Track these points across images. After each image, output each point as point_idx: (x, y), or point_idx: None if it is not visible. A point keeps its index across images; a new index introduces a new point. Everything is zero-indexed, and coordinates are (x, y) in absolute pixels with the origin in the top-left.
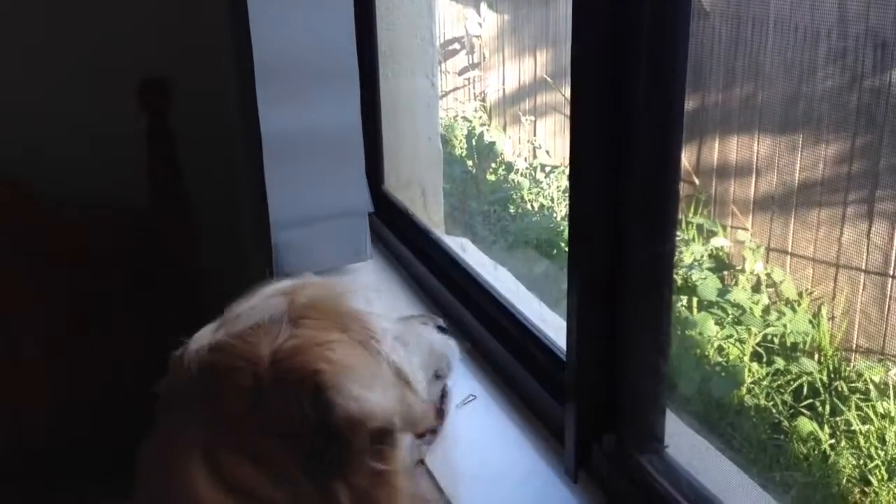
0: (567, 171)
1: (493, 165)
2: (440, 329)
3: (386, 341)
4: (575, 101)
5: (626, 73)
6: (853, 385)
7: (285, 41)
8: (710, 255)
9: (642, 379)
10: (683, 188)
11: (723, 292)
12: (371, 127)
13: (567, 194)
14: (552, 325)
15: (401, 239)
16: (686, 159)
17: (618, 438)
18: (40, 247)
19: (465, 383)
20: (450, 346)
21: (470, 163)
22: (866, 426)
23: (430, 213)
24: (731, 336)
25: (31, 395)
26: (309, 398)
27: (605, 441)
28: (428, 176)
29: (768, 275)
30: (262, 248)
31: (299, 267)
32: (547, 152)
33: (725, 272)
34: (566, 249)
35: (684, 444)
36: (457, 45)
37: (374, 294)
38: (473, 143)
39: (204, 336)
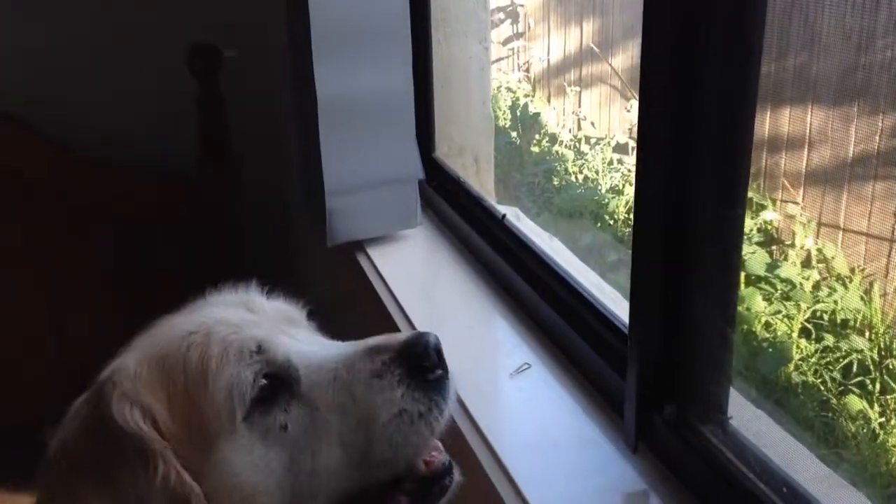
0: (611, 142)
1: (537, 137)
2: (413, 377)
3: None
4: (645, 70)
5: (698, 37)
6: None
7: (341, 5)
8: (758, 230)
9: (707, 347)
10: None
11: (772, 267)
12: (423, 93)
13: (611, 166)
14: (609, 296)
15: (452, 206)
16: None
17: (679, 409)
18: (90, 211)
19: (519, 351)
20: (399, 430)
21: (514, 134)
22: None
23: (483, 181)
24: (779, 312)
25: (81, 371)
26: None
27: (666, 411)
28: (480, 143)
29: (819, 250)
30: (314, 214)
31: (350, 233)
32: (592, 124)
33: (774, 247)
34: (610, 222)
35: (746, 415)
36: (501, 15)
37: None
38: (518, 114)
39: None
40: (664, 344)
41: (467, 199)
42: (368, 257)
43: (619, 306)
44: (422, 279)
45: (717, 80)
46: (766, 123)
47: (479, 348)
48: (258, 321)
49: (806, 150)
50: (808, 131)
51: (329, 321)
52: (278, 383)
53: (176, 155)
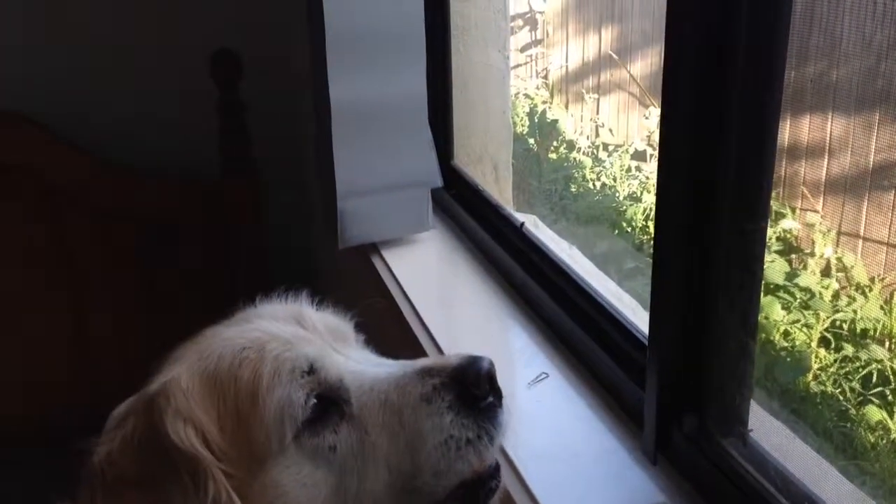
0: (629, 150)
1: (555, 144)
2: (464, 403)
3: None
4: (668, 79)
5: (721, 46)
6: None
7: (357, 12)
8: (777, 238)
9: (728, 358)
10: None
11: (791, 276)
12: (442, 101)
13: (629, 173)
14: (628, 305)
15: (470, 214)
16: None
17: (699, 420)
18: (111, 215)
19: (537, 361)
20: (445, 457)
21: (531, 141)
22: None
23: (501, 189)
24: (798, 321)
25: (102, 372)
26: None
27: (685, 423)
28: (499, 151)
29: (839, 259)
30: (328, 216)
31: (361, 235)
32: (610, 131)
33: (793, 255)
34: (628, 230)
35: (767, 427)
36: (520, 22)
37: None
38: (536, 120)
39: None
40: (684, 354)
41: (485, 207)
42: (383, 260)
43: (637, 316)
44: (437, 284)
45: (740, 89)
46: (786, 131)
47: (495, 356)
48: (310, 337)
49: (826, 158)
50: (828, 139)
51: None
52: (329, 403)
53: (198, 158)
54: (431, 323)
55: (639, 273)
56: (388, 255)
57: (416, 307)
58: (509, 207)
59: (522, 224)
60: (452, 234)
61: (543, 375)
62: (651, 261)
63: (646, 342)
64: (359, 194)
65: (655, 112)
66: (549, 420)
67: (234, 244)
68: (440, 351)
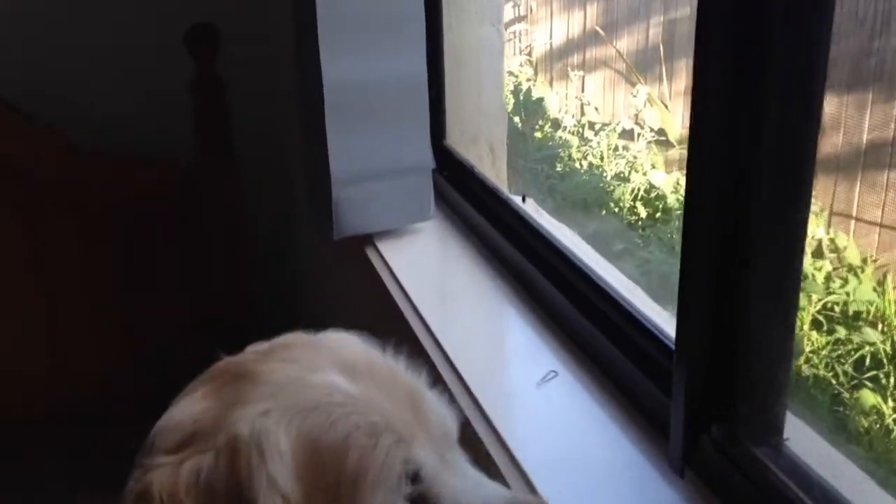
0: (617, 128)
1: (540, 122)
2: None
3: None
4: (700, 60)
5: (761, 20)
6: None
7: None
8: None
9: (764, 360)
10: None
11: None
12: (433, 78)
13: (616, 153)
14: (639, 298)
15: (465, 197)
16: None
17: (730, 428)
18: (84, 200)
19: (544, 358)
20: None
21: (517, 119)
22: None
23: (498, 172)
24: None
25: (77, 353)
26: None
27: (714, 431)
28: (494, 132)
29: (831, 240)
30: (320, 205)
31: (359, 226)
32: (596, 109)
33: None
34: (616, 209)
35: (803, 437)
36: None
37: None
38: (520, 98)
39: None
40: (714, 356)
41: (482, 190)
42: (378, 252)
43: (647, 307)
44: (436, 276)
45: (781, 66)
46: None
47: (499, 352)
48: (423, 437)
49: (818, 136)
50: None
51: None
52: None
53: (173, 141)
54: (431, 319)
55: (627, 254)
56: (383, 246)
57: (415, 302)
58: (506, 190)
59: (524, 197)
60: (449, 221)
61: (552, 374)
62: (639, 241)
63: (665, 339)
64: (355, 182)
65: (643, 90)
66: (560, 423)
67: (211, 231)
68: (442, 351)
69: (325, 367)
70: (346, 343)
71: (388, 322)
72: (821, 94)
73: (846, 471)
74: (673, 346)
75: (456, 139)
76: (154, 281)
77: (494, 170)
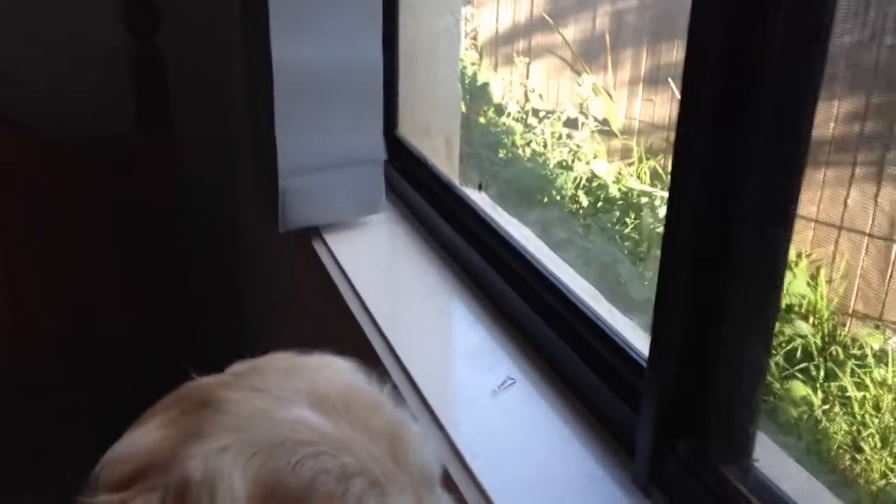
0: (561, 116)
1: (484, 108)
2: None
3: None
4: (691, 54)
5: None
6: (849, 351)
7: None
8: None
9: (738, 379)
10: None
11: None
12: (387, 65)
13: (560, 141)
14: (603, 305)
15: (418, 190)
16: None
17: (698, 446)
18: (14, 176)
19: (501, 364)
20: None
21: (461, 104)
22: (861, 393)
23: (453, 165)
24: None
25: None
26: None
27: (681, 448)
28: (448, 122)
29: None
30: (266, 195)
31: (306, 218)
32: (540, 96)
33: None
34: (558, 198)
35: (772, 457)
36: None
37: None
38: (465, 83)
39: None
40: (687, 372)
41: (435, 182)
42: (326, 245)
43: (612, 316)
44: (385, 272)
45: (776, 68)
46: None
47: (453, 355)
48: (402, 482)
49: (806, 156)
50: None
51: (281, 314)
52: None
53: (110, 121)
54: (381, 318)
55: (569, 243)
56: (331, 239)
57: (364, 300)
58: (460, 184)
59: (480, 185)
60: (400, 215)
61: (510, 381)
62: (580, 230)
63: (629, 350)
64: (304, 171)
65: (588, 79)
66: (519, 436)
67: (149, 217)
68: (393, 353)
69: (297, 398)
70: (325, 371)
71: (336, 320)
72: (814, 101)
73: (812, 487)
74: (638, 358)
75: (408, 129)
76: (85, 263)
77: (449, 162)
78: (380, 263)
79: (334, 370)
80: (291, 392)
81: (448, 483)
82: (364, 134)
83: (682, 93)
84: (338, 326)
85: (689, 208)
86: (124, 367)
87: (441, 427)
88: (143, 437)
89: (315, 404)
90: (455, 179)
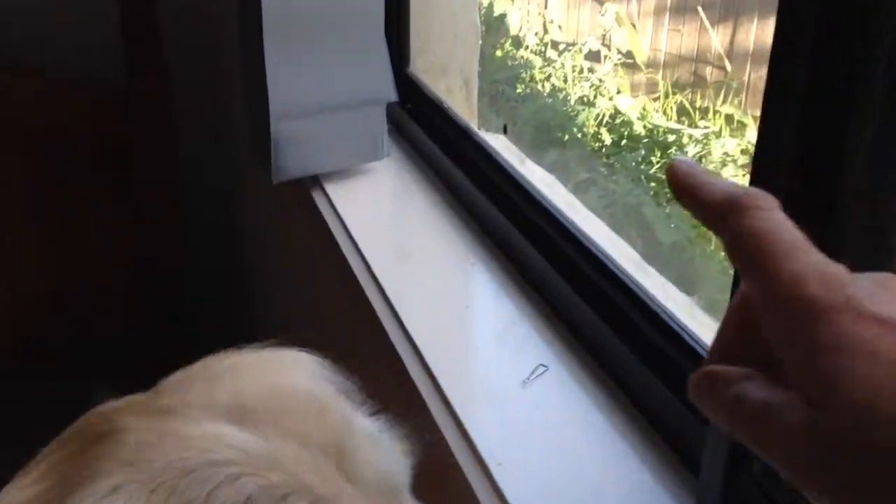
0: (582, 49)
1: (501, 41)
2: None
3: None
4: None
5: None
6: None
7: None
8: (742, 151)
9: None
10: (713, 73)
11: None
12: None
13: (581, 75)
14: (653, 277)
15: (432, 136)
16: (718, 41)
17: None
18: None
19: (529, 345)
20: None
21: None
22: None
23: (472, 108)
24: None
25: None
26: None
27: (756, 466)
28: (468, 61)
29: None
30: (258, 142)
31: (301, 167)
32: (560, 27)
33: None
34: (579, 136)
35: None
36: None
37: None
38: (481, 14)
39: None
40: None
41: (450, 128)
42: (326, 195)
43: (653, 282)
44: (393, 228)
45: None
46: (751, 34)
47: (470, 335)
48: (351, 493)
49: None
50: None
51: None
52: None
53: (98, 60)
54: (388, 284)
55: (591, 184)
56: (332, 189)
57: (368, 260)
58: (479, 129)
59: (506, 127)
60: (410, 162)
61: (542, 369)
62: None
63: (691, 341)
64: (298, 115)
65: (611, 8)
66: (553, 438)
67: (142, 163)
68: (403, 329)
69: (213, 412)
70: (260, 374)
71: (337, 280)
72: None
73: None
74: (699, 347)
75: (421, 67)
76: (76, 212)
77: (468, 106)
78: (387, 218)
79: (273, 371)
80: (207, 405)
81: (466, 496)
82: (363, 72)
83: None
84: (339, 289)
85: (779, 161)
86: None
87: (458, 424)
88: (13, 499)
89: (236, 417)
90: (474, 124)
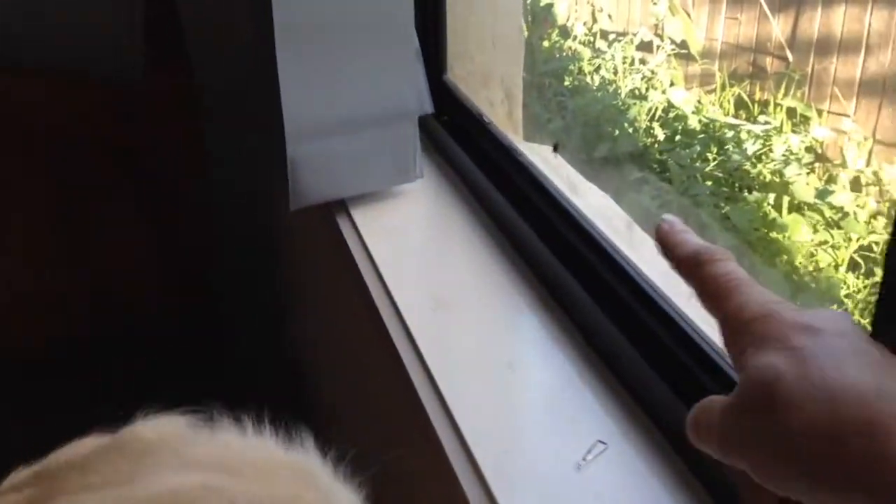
0: (634, 39)
1: (548, 31)
2: None
3: None
4: None
5: None
6: None
7: None
8: (807, 149)
9: None
10: (773, 64)
11: (823, 193)
12: None
13: (632, 67)
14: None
15: (469, 152)
16: (779, 29)
17: None
18: (16, 128)
19: (586, 416)
20: None
21: (523, 27)
22: None
23: (515, 124)
24: (825, 242)
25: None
26: None
27: None
28: (510, 68)
29: (875, 173)
30: (277, 161)
31: (321, 191)
32: (609, 16)
33: (818, 165)
34: (630, 131)
35: None
36: None
37: None
38: (527, 4)
39: None
40: None
41: (493, 148)
42: (352, 221)
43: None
44: (425, 264)
45: None
46: (815, 22)
47: (514, 400)
48: None
49: (862, 55)
50: (865, 33)
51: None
52: None
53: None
54: (418, 329)
55: (644, 183)
56: (358, 215)
57: (395, 298)
58: (518, 140)
59: (556, 146)
60: (446, 183)
61: (601, 446)
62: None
63: None
64: (317, 135)
65: None
66: None
67: (164, 165)
68: (436, 390)
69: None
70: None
71: (364, 320)
72: None
73: None
74: None
75: (460, 75)
76: (99, 217)
77: (510, 121)
78: (415, 248)
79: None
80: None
81: None
82: (391, 81)
83: None
84: (364, 327)
85: None
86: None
87: None
88: None
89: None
90: (518, 141)
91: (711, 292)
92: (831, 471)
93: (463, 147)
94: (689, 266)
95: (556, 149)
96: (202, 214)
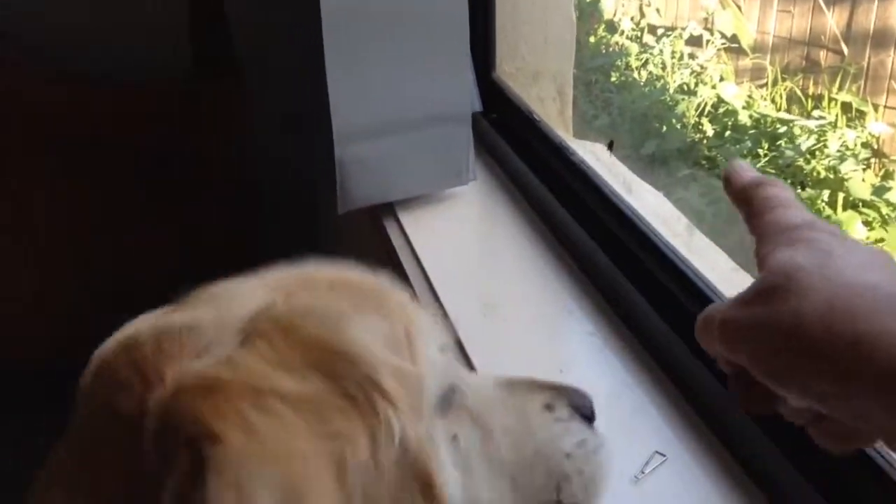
0: (683, 34)
1: (595, 26)
2: (580, 415)
3: (413, 422)
4: None
5: None
6: None
7: None
8: (863, 144)
9: None
10: (827, 57)
11: (879, 189)
12: None
13: (681, 62)
14: None
15: (519, 151)
16: (834, 22)
17: None
18: (62, 133)
19: (643, 426)
20: (587, 460)
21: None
22: None
23: (566, 122)
24: (882, 240)
25: (60, 298)
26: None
27: None
28: (562, 66)
29: None
30: (323, 165)
31: (369, 194)
32: (658, 10)
33: (874, 161)
34: (679, 126)
35: None
36: None
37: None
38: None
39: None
40: None
41: (544, 146)
42: (400, 226)
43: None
44: (475, 269)
45: None
46: (871, 14)
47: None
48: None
49: None
50: None
51: None
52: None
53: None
54: (467, 335)
55: (692, 180)
56: (406, 218)
57: (443, 303)
58: (568, 137)
59: (611, 144)
60: (497, 185)
61: (659, 458)
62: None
63: None
64: (366, 136)
65: None
66: None
67: (211, 168)
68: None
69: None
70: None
71: None
72: None
73: None
74: None
75: (509, 71)
76: (141, 219)
77: (562, 119)
78: (465, 253)
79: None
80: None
81: None
82: (443, 82)
83: None
84: None
85: None
86: None
87: None
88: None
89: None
90: (569, 139)
91: (755, 211)
92: (836, 356)
93: (512, 145)
94: (743, 191)
95: (611, 147)
96: (247, 221)
